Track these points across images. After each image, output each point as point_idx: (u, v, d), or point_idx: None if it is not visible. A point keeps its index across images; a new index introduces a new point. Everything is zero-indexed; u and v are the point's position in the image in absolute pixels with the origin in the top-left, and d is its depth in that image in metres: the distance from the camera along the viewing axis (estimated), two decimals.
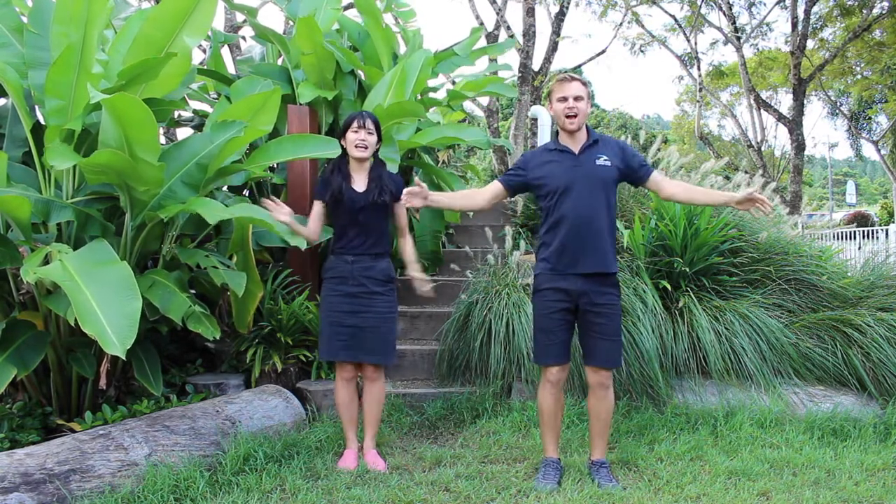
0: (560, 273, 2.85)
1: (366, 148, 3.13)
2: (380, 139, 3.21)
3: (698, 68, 16.96)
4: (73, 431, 3.05)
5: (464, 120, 7.54)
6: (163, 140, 6.00)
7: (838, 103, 21.12)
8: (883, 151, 20.13)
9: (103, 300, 2.53)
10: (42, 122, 3.42)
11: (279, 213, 3.20)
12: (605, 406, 2.91)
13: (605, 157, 2.86)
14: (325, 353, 3.15)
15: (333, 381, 3.22)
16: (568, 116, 2.85)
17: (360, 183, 3.16)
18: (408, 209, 5.43)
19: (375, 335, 3.09)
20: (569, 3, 12.47)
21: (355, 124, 3.14)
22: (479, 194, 3.04)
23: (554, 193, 2.85)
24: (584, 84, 2.89)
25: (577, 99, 2.83)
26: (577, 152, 2.88)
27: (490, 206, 3.05)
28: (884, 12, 14.15)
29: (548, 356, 2.90)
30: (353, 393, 3.18)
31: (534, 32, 11.47)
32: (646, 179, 2.95)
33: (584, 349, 2.92)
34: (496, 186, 3.03)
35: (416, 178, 3.06)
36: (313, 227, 3.25)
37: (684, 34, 16.74)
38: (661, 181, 2.95)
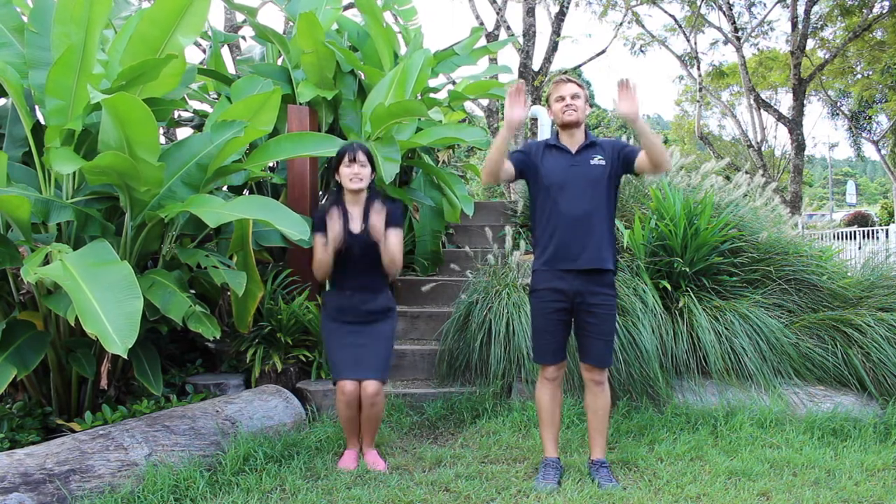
0: (557, 270, 2.86)
1: (361, 180, 3.11)
2: (373, 169, 3.19)
3: (698, 68, 16.96)
4: (73, 431, 3.05)
5: (464, 120, 7.54)
6: (163, 140, 6.01)
7: (838, 103, 21.11)
8: (883, 151, 20.12)
9: (104, 299, 2.53)
10: (42, 121, 3.42)
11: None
12: (601, 401, 2.92)
13: (600, 157, 2.88)
14: (336, 374, 3.11)
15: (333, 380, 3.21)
16: (566, 114, 2.87)
17: (356, 220, 3.12)
18: (407, 210, 5.46)
19: (377, 353, 3.09)
20: (569, 3, 12.47)
21: (346, 159, 3.10)
22: (502, 163, 2.87)
23: (549, 189, 2.86)
24: (580, 86, 2.91)
25: (573, 97, 2.87)
26: (573, 152, 2.90)
27: (501, 178, 2.91)
28: (884, 12, 14.15)
29: (545, 355, 2.92)
30: (356, 409, 3.12)
31: (534, 32, 11.48)
32: (635, 155, 2.86)
33: (578, 346, 2.95)
34: (508, 164, 2.93)
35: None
36: (324, 260, 3.08)
37: (684, 34, 16.74)
38: (645, 161, 2.88)
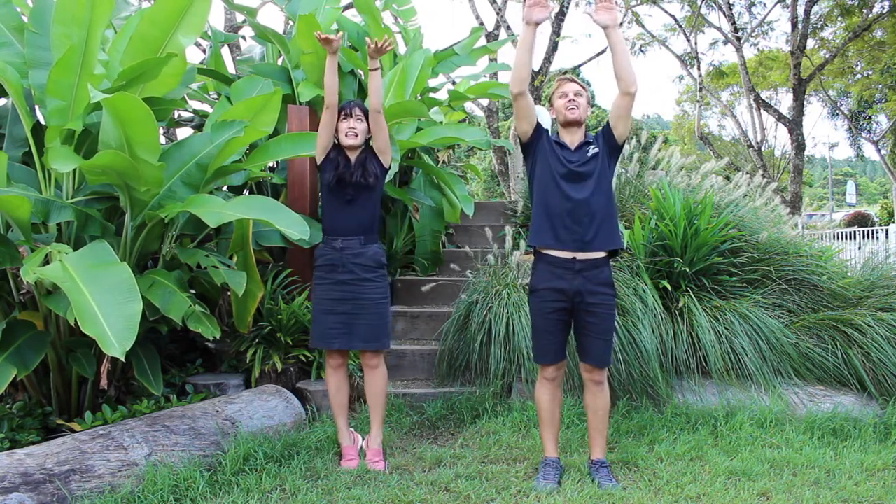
0: (557, 260, 2.84)
1: (356, 135, 3.17)
2: (369, 126, 3.23)
3: (698, 68, 16.95)
4: (73, 431, 3.05)
5: (464, 120, 7.54)
6: (163, 140, 6.00)
7: (838, 103, 21.11)
8: (883, 151, 20.11)
9: (103, 302, 2.53)
10: (42, 121, 3.42)
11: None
12: (600, 401, 2.92)
13: (594, 147, 2.92)
14: (317, 341, 3.16)
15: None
16: (569, 110, 2.90)
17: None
18: (407, 210, 5.46)
19: (369, 322, 3.11)
20: (569, 4, 12.48)
21: (343, 114, 3.18)
22: (530, 66, 2.92)
23: (552, 178, 2.87)
24: (583, 86, 2.97)
25: (576, 94, 2.91)
26: (573, 148, 2.92)
27: (526, 99, 2.89)
28: (884, 12, 14.14)
29: (545, 356, 2.93)
30: (343, 379, 3.22)
31: None
32: (609, 126, 2.93)
33: (578, 346, 2.96)
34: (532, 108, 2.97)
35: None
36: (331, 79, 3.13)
37: (684, 34, 16.74)
38: (614, 100, 2.94)
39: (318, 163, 3.23)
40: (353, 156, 3.21)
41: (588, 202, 2.82)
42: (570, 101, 2.90)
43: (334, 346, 3.13)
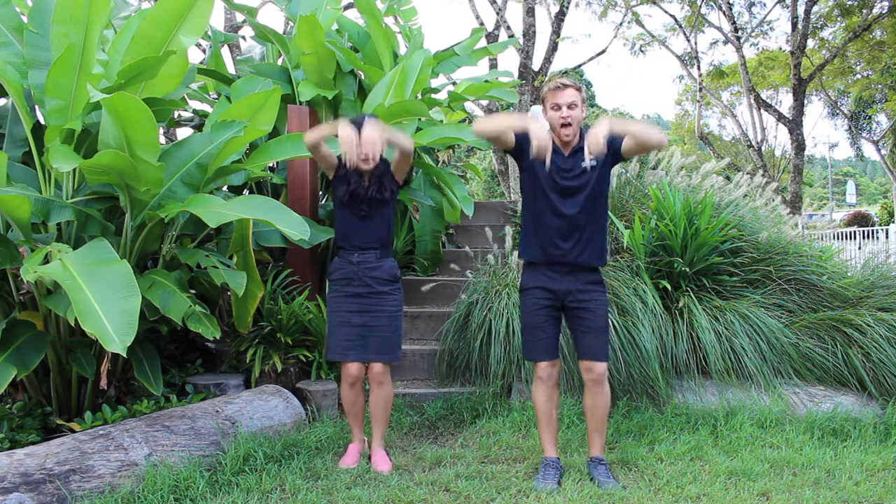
0: (546, 269, 2.87)
1: (372, 161, 3.11)
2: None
3: (698, 68, 16.94)
4: (73, 431, 3.05)
5: (464, 120, 7.53)
6: (163, 140, 6.00)
7: (838, 103, 21.11)
8: (883, 151, 20.14)
9: (103, 298, 2.53)
10: (42, 121, 3.43)
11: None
12: (600, 402, 2.92)
13: (592, 158, 2.84)
14: (334, 353, 3.14)
15: (333, 381, 3.22)
16: (563, 126, 2.83)
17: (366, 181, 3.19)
18: (407, 210, 5.46)
19: (383, 334, 3.11)
20: (569, 3, 12.47)
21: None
22: (503, 136, 2.89)
23: (542, 186, 2.87)
24: (578, 89, 2.86)
25: (570, 107, 2.82)
26: (566, 154, 2.88)
27: (495, 143, 2.93)
28: (884, 12, 14.14)
29: (536, 352, 2.93)
30: (359, 393, 3.19)
31: (534, 32, 11.48)
32: (620, 142, 2.85)
33: (575, 345, 2.96)
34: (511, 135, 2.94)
35: None
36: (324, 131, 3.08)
37: (684, 34, 16.73)
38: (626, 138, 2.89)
39: (330, 179, 3.21)
40: (365, 175, 3.15)
41: (576, 219, 2.83)
42: (563, 117, 2.82)
43: (349, 357, 3.10)
